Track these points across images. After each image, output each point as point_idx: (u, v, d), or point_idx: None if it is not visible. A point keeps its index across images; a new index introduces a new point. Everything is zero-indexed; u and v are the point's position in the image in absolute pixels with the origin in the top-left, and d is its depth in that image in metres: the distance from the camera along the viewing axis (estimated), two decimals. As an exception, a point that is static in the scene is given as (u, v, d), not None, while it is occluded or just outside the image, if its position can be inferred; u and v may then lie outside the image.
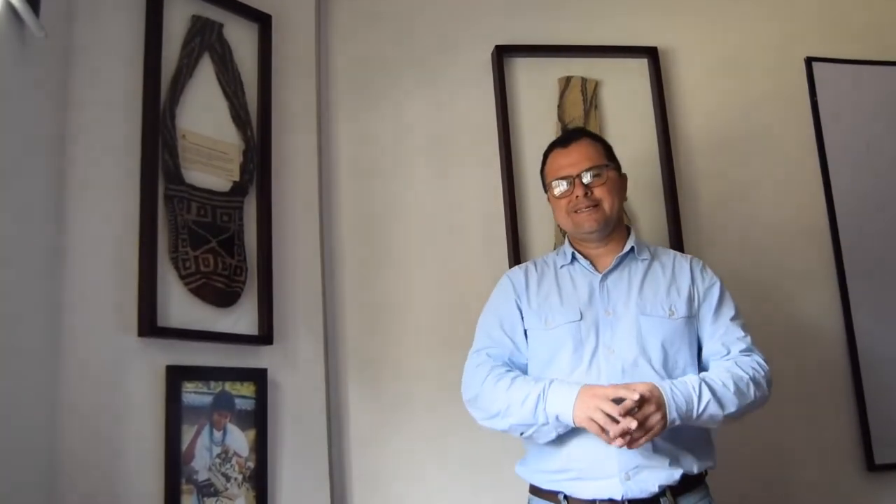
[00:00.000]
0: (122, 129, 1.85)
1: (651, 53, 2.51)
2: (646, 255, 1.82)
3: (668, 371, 1.69)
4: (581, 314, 1.75)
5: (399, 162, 2.37)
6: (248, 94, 2.13)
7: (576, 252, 1.83)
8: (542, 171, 1.90)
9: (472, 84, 2.43)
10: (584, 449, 1.65)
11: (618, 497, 1.62)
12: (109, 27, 1.86)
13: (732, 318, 1.76)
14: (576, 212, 1.79)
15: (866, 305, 2.46)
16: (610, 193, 1.80)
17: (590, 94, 2.45)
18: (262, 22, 2.17)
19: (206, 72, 2.04)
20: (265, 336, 2.02)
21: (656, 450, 1.64)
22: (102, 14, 1.85)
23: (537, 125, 2.35)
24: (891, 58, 2.67)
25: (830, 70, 2.61)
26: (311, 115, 2.28)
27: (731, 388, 1.64)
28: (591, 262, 1.82)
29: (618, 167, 1.86)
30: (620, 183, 1.85)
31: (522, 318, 1.81)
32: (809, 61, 2.63)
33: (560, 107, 2.44)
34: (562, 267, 1.84)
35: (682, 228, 2.41)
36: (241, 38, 2.13)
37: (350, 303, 2.27)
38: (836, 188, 2.54)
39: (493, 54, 2.44)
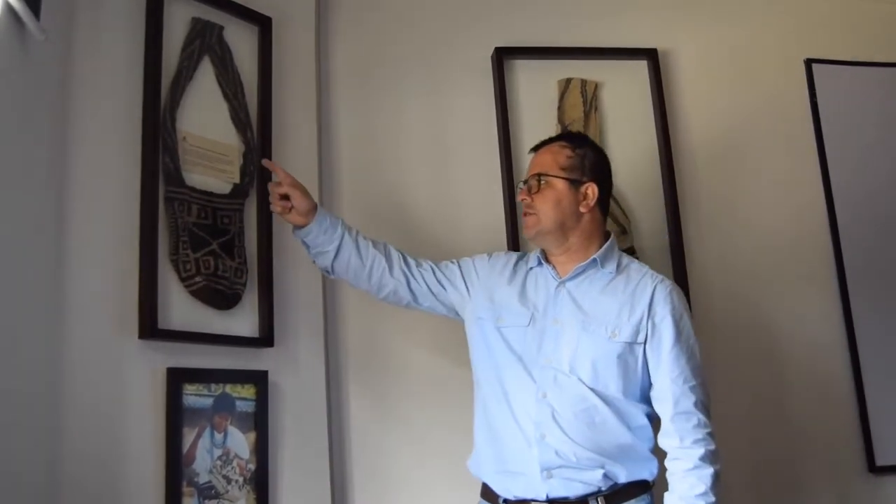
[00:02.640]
0: (122, 132, 1.85)
1: (651, 55, 2.51)
2: (611, 268, 1.81)
3: (600, 390, 1.70)
4: (531, 319, 1.78)
5: (399, 163, 2.36)
6: (248, 96, 2.12)
7: (542, 258, 1.85)
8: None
9: (472, 86, 2.43)
10: (509, 444, 1.72)
11: (542, 497, 1.68)
12: (109, 29, 1.85)
13: (678, 359, 1.72)
14: (523, 216, 1.84)
15: (867, 306, 2.46)
16: (546, 204, 1.80)
17: (590, 96, 2.45)
18: (263, 24, 2.16)
19: (206, 74, 2.04)
20: (266, 338, 2.02)
21: (576, 454, 1.68)
22: (102, 16, 1.85)
23: (537, 127, 2.35)
24: (891, 59, 2.67)
25: (830, 71, 2.61)
26: (311, 117, 2.28)
27: (712, 497, 1.65)
28: (555, 269, 1.83)
29: (576, 179, 1.82)
30: (569, 196, 1.81)
31: (468, 288, 1.88)
32: (809, 63, 2.64)
33: (560, 108, 2.44)
34: (531, 269, 1.87)
35: (682, 230, 2.41)
36: (241, 41, 2.13)
37: (350, 304, 2.26)
38: (836, 189, 2.54)
39: (492, 56, 2.44)
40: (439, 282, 1.92)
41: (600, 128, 2.44)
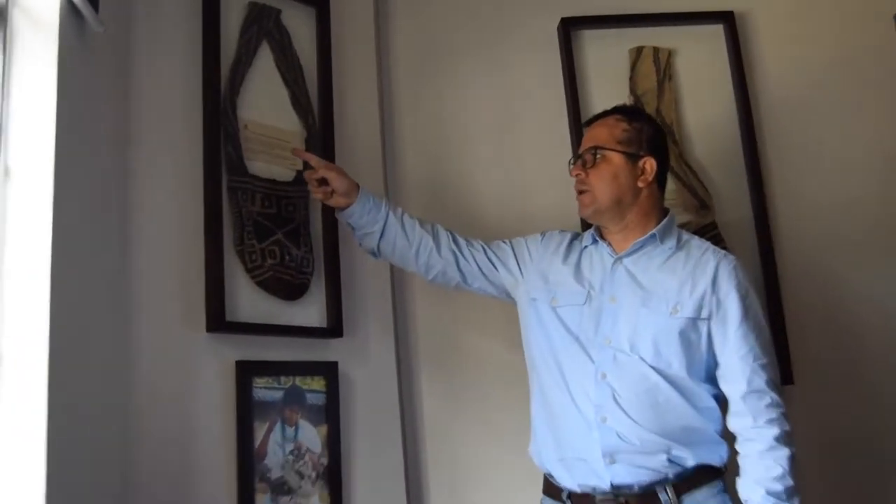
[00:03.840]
0: (183, 122, 1.85)
1: (727, 18, 2.42)
2: (671, 244, 1.78)
3: (662, 368, 1.68)
4: (587, 298, 1.76)
5: (465, 145, 2.35)
6: (309, 81, 2.11)
7: (597, 235, 1.84)
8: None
9: (538, 60, 2.39)
10: (569, 429, 1.70)
11: (606, 485, 1.65)
12: (167, 18, 1.85)
13: (747, 336, 1.68)
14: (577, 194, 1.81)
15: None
16: (602, 179, 1.78)
17: (663, 65, 2.38)
18: (320, 6, 2.14)
19: (265, 59, 2.03)
20: (334, 328, 2.01)
21: (640, 437, 1.65)
22: (161, 5, 1.85)
23: (608, 101, 2.20)
24: None
25: (923, 27, 2.47)
26: (372, 99, 2.28)
27: (790, 480, 1.61)
28: (611, 246, 1.81)
29: (633, 153, 1.79)
30: (627, 170, 1.79)
31: (520, 268, 1.87)
32: (898, 18, 2.49)
33: (632, 79, 2.39)
34: (585, 247, 1.85)
35: (767, 202, 2.32)
36: (299, 24, 2.11)
37: (419, 292, 2.25)
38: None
39: (558, 28, 2.39)
40: (490, 261, 1.90)
41: (675, 97, 2.38)
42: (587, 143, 1.84)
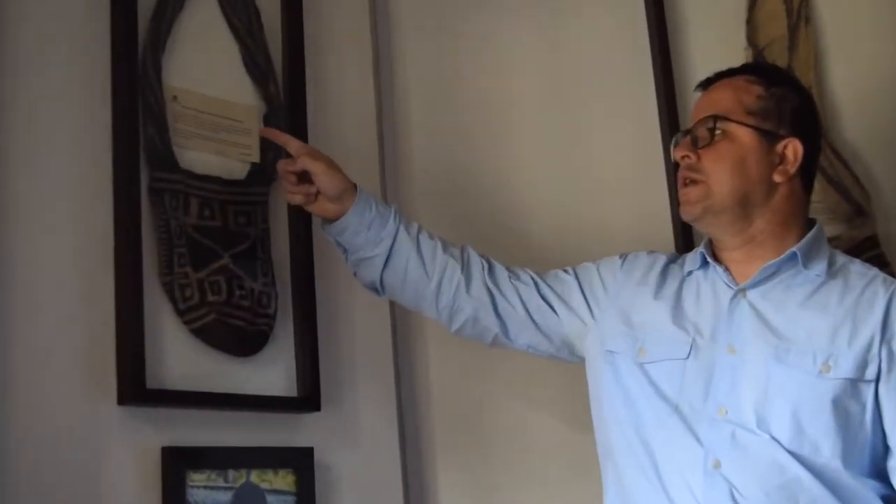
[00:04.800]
0: (80, 93, 1.84)
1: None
2: (819, 269, 1.77)
3: (806, 455, 1.66)
4: (692, 349, 1.77)
5: (500, 119, 2.39)
6: (269, 32, 2.13)
7: (707, 254, 1.84)
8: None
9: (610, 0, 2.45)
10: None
11: None
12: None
13: None
14: (679, 188, 1.83)
15: None
16: (723, 164, 1.78)
17: (796, 3, 2.39)
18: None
19: (202, 1, 2.05)
20: (308, 397, 2.01)
21: None
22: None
23: (715, 55, 2.26)
24: None
25: None
26: (364, 54, 2.32)
27: None
28: (728, 270, 1.81)
29: (770, 132, 1.79)
30: (759, 154, 1.79)
31: (590, 307, 1.90)
32: None
33: (750, 24, 2.41)
34: (689, 273, 1.86)
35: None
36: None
37: (433, 339, 2.27)
38: None
39: (641, -48, 2.44)
40: (546, 300, 1.92)
41: (815, 50, 2.37)
42: (702, 111, 1.83)
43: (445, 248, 1.91)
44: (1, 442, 1.63)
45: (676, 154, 1.82)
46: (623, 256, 1.95)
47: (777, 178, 1.78)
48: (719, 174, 1.77)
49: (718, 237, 1.83)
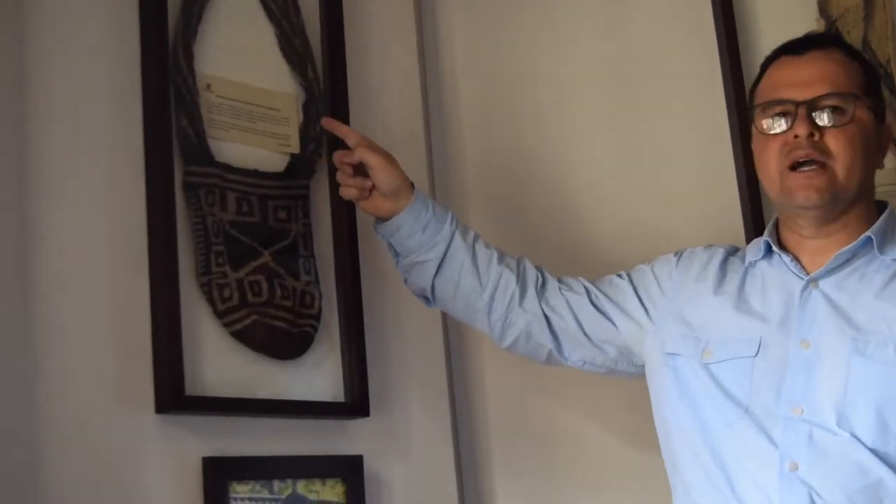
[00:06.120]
0: (109, 83, 1.83)
1: None
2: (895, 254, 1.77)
3: (889, 456, 1.64)
4: (760, 345, 1.75)
5: (557, 104, 2.38)
6: (308, 12, 2.13)
7: (773, 242, 1.82)
8: (752, 91, 1.90)
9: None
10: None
11: None
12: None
13: None
14: (791, 168, 1.74)
15: None
16: (853, 148, 1.74)
17: None
18: None
19: None
20: (356, 402, 2.01)
21: None
22: None
23: (785, 29, 2.18)
24: None
25: None
26: (409, 36, 2.34)
27: None
28: (797, 259, 1.79)
29: (878, 107, 1.80)
30: (876, 135, 1.79)
31: (646, 310, 1.89)
32: None
33: None
34: (751, 264, 1.85)
35: None
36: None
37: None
38: None
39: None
40: (600, 309, 1.93)
41: (892, 20, 2.35)
42: (815, 85, 1.75)
43: (501, 259, 1.93)
44: (35, 454, 1.63)
45: (799, 128, 1.74)
46: (678, 254, 1.94)
47: (881, 161, 1.80)
48: (849, 160, 1.73)
49: (812, 224, 1.78)
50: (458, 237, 1.91)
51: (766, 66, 1.85)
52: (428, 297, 1.95)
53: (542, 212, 2.35)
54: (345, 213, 2.05)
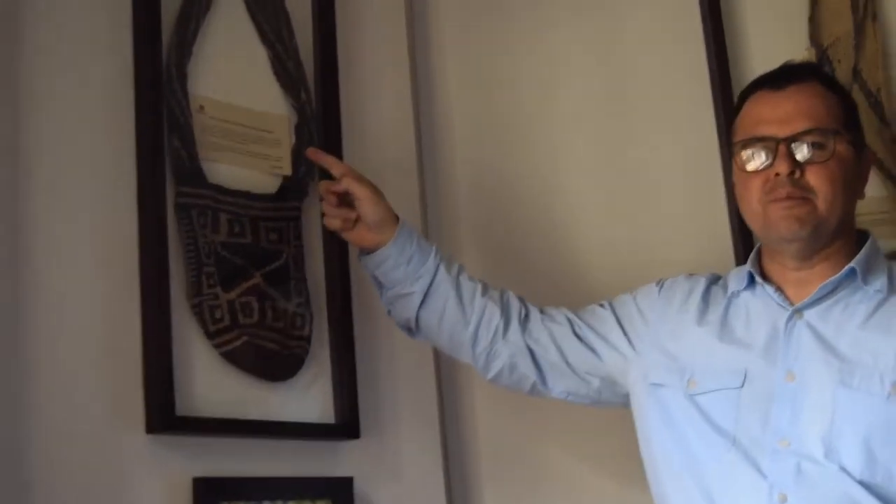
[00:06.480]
0: (100, 104, 1.84)
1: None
2: (879, 285, 1.75)
3: (879, 484, 1.64)
4: (746, 377, 1.75)
5: (548, 126, 2.39)
6: (301, 36, 2.12)
7: (755, 272, 1.82)
8: (729, 124, 1.93)
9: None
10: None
11: None
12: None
13: None
14: (773, 201, 1.74)
15: None
16: (833, 182, 1.75)
17: None
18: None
19: (229, 4, 2.05)
20: (347, 424, 2.01)
21: None
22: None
23: (775, 57, 2.15)
24: None
25: None
26: (401, 59, 2.34)
27: None
28: (780, 290, 1.79)
29: (857, 139, 1.81)
30: (856, 167, 1.80)
31: (629, 340, 1.89)
32: None
33: (813, 21, 2.39)
34: (734, 294, 1.84)
35: None
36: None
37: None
38: None
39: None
40: (582, 340, 1.93)
41: (883, 49, 2.34)
42: (795, 121, 1.76)
43: (485, 292, 1.93)
44: (25, 473, 1.62)
45: (780, 166, 1.75)
46: (660, 283, 1.94)
47: (862, 192, 1.81)
48: (831, 196, 1.73)
49: (795, 257, 1.78)
50: (442, 270, 1.91)
51: (743, 97, 1.87)
52: (412, 329, 1.95)
53: (533, 233, 2.36)
54: (336, 236, 2.03)
